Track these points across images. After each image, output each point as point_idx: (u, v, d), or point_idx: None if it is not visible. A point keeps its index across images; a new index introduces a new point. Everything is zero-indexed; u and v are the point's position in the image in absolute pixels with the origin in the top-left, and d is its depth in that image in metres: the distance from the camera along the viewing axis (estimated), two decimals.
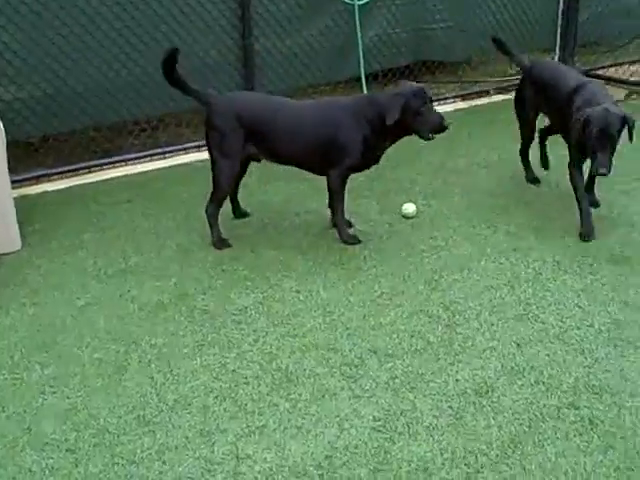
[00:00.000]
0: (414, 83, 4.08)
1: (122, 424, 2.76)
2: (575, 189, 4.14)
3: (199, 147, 5.69)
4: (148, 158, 5.53)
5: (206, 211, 4.12)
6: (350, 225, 4.22)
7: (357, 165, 4.01)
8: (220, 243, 4.10)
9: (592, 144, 3.88)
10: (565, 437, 2.61)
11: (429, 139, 3.94)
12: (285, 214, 4.49)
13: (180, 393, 2.92)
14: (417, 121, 3.87)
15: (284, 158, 4.11)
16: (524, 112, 4.74)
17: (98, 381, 3.01)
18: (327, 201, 4.15)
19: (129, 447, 2.65)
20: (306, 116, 4.03)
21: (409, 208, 4.37)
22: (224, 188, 4.11)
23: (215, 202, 4.11)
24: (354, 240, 4.06)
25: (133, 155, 5.52)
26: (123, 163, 5.45)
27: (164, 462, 2.58)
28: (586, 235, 4.01)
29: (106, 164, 5.41)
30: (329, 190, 4.05)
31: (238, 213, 4.44)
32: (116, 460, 2.59)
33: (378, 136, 3.92)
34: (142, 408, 2.84)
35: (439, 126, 3.90)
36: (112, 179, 5.24)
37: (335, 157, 3.95)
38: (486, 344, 3.16)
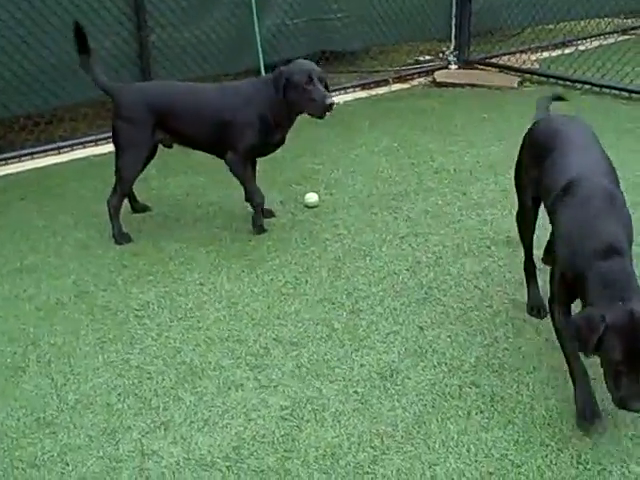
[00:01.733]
0: (305, 61, 4.06)
1: (21, 427, 2.67)
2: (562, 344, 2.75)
3: (95, 141, 5.57)
4: (42, 154, 5.37)
5: (108, 203, 4.03)
6: (272, 214, 4.24)
7: (256, 146, 3.99)
8: (121, 237, 4.02)
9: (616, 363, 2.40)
10: (467, 415, 2.68)
11: (318, 117, 3.92)
12: (186, 207, 4.43)
13: (82, 392, 2.85)
14: (302, 98, 3.86)
15: (189, 140, 4.07)
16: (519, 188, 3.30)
17: None
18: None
19: (29, 450, 2.56)
20: (206, 98, 4.00)
21: (311, 198, 4.39)
22: (129, 179, 4.05)
23: (119, 193, 4.04)
24: (259, 230, 4.06)
25: (27, 151, 5.34)
26: (16, 159, 5.27)
27: (67, 463, 2.51)
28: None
29: None
30: (233, 174, 4.03)
31: (138, 207, 4.35)
32: (15, 464, 2.50)
33: (273, 115, 3.92)
34: (42, 410, 2.75)
35: (322, 104, 3.83)
36: (4, 176, 5.06)
37: (232, 139, 3.93)
38: (390, 328, 3.21)
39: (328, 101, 3.84)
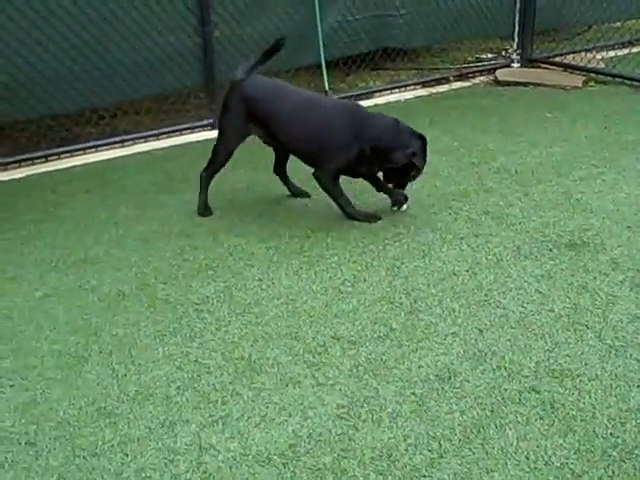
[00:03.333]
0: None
1: (83, 416, 2.72)
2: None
3: (158, 135, 5.65)
4: (107, 147, 5.47)
5: (200, 175, 4.33)
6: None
7: (344, 170, 4.16)
8: (204, 209, 4.25)
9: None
10: (526, 421, 2.64)
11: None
12: (246, 202, 4.46)
13: (142, 384, 2.89)
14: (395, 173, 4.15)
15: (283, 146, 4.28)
16: None
17: (58, 373, 2.96)
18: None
19: (90, 439, 2.61)
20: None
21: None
22: (221, 159, 4.27)
23: (211, 168, 4.29)
24: (373, 218, 4.20)
25: (91, 143, 5.45)
26: (81, 152, 5.38)
27: (126, 454, 2.55)
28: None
29: (63, 153, 5.33)
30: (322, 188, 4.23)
31: (295, 191, 4.54)
32: (77, 452, 2.55)
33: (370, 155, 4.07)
34: (103, 400, 2.81)
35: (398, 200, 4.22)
36: (70, 168, 5.17)
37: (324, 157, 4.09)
38: (448, 330, 3.18)
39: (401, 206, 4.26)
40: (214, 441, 2.59)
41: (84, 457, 2.53)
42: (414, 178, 4.19)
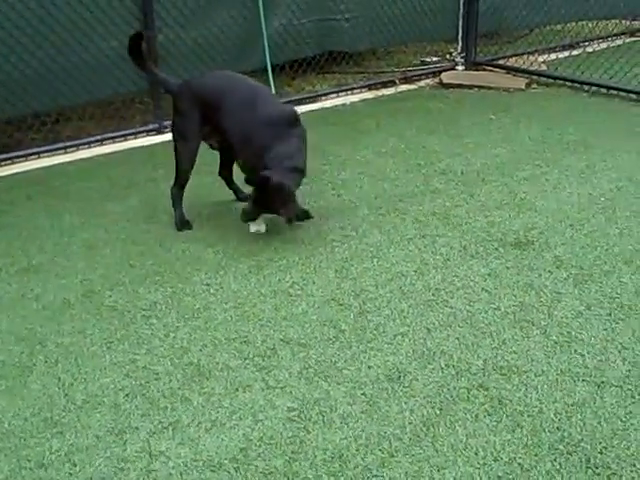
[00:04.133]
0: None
1: (28, 427, 2.66)
2: None
3: (102, 141, 5.58)
4: (49, 153, 5.37)
5: (171, 191, 4.22)
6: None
7: None
8: (182, 224, 4.16)
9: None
10: (475, 418, 2.67)
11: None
12: (194, 207, 4.41)
13: (89, 392, 2.84)
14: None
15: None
16: None
17: (1, 384, 2.89)
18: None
19: (37, 450, 2.56)
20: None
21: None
22: (186, 169, 4.15)
23: (178, 184, 4.17)
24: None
25: (33, 150, 5.34)
26: (23, 159, 5.27)
27: (74, 463, 2.50)
28: None
29: (4, 160, 5.21)
30: None
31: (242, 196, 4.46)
32: (23, 464, 2.49)
33: None
34: (49, 409, 2.75)
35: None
36: (11, 175, 5.07)
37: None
38: (397, 330, 3.20)
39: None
40: (164, 448, 2.56)
41: (30, 468, 2.48)
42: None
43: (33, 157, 5.29)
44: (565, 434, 2.57)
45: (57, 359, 3.04)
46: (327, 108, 6.45)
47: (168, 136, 5.70)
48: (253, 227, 4.05)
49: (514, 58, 7.55)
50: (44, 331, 3.24)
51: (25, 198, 4.64)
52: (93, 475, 2.45)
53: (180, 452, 2.54)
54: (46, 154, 5.35)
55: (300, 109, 6.35)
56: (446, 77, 7.25)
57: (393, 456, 2.50)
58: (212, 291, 3.53)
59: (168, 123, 5.77)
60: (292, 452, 2.53)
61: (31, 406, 2.77)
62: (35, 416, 2.72)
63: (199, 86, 4.10)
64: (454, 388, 2.82)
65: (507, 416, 2.67)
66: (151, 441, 2.59)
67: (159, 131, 5.73)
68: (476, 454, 2.50)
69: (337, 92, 6.83)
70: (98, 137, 5.57)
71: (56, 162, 5.27)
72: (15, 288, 3.59)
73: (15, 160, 5.23)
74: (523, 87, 6.93)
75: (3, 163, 5.19)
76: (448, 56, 7.78)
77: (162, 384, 2.88)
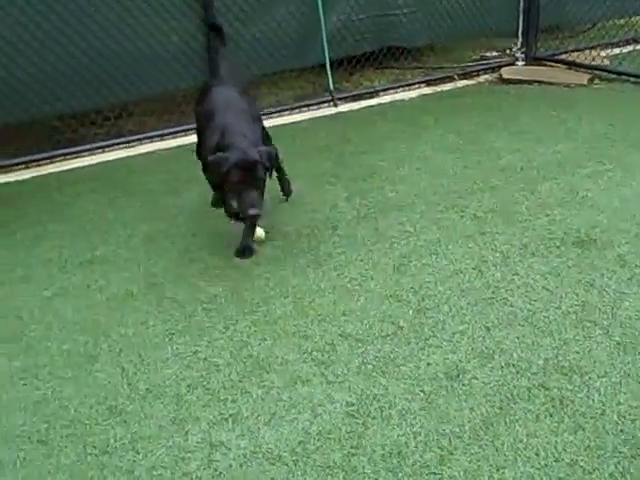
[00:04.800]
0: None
1: (94, 414, 2.73)
2: None
3: (163, 136, 5.66)
4: (112, 147, 5.48)
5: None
6: None
7: None
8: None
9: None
10: (536, 418, 2.64)
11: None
12: None
13: (152, 382, 2.90)
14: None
15: None
16: None
17: (68, 372, 2.97)
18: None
19: (101, 437, 2.62)
20: None
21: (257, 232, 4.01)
22: None
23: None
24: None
25: (97, 144, 5.46)
26: (87, 152, 5.39)
27: (137, 451, 2.56)
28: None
29: (69, 154, 5.35)
30: None
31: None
32: (89, 450, 2.56)
33: None
34: (114, 398, 2.82)
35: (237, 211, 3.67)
36: (76, 169, 5.18)
37: None
38: (456, 328, 3.18)
39: (243, 214, 3.65)
40: (224, 439, 2.60)
41: (95, 455, 2.54)
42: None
43: (97, 151, 5.41)
44: (629, 437, 2.53)
45: (121, 349, 3.11)
46: (385, 104, 6.43)
47: None
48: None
49: (576, 53, 7.41)
50: (108, 321, 3.31)
51: (89, 191, 4.75)
52: (155, 463, 2.51)
53: (240, 443, 2.58)
54: (109, 148, 5.46)
55: (358, 105, 6.39)
56: (506, 72, 7.15)
57: (452, 454, 2.50)
58: (271, 285, 3.56)
59: None
60: (350, 447, 2.55)
61: (96, 394, 2.84)
62: (100, 404, 2.79)
63: None
64: (514, 387, 2.80)
65: (569, 417, 2.63)
66: (212, 432, 2.63)
67: None
68: (537, 455, 2.47)
69: (395, 87, 6.81)
70: (159, 132, 5.67)
71: (118, 156, 5.39)
72: (80, 279, 3.68)
73: (79, 154, 5.36)
74: (585, 83, 6.80)
75: (68, 157, 5.32)
76: (508, 51, 7.68)
77: (222, 376, 2.92)
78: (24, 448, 2.58)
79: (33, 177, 5.04)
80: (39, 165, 5.22)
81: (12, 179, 5.01)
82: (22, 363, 3.04)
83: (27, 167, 5.17)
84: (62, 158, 5.30)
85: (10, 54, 4.94)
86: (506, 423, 2.62)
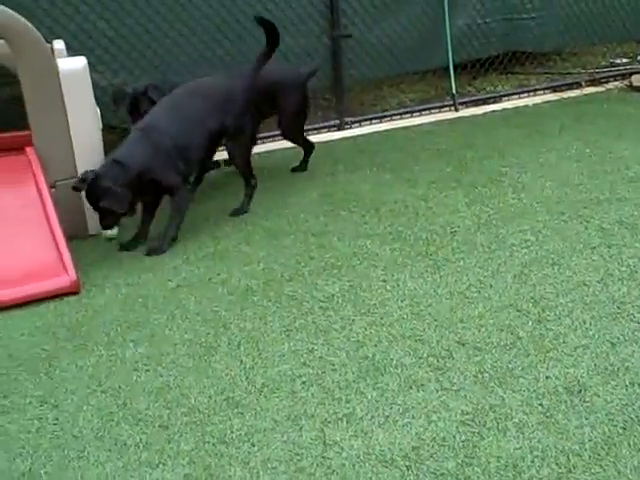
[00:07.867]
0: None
1: (212, 404, 2.81)
2: None
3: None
4: None
5: None
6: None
7: None
8: None
9: None
10: None
11: None
12: (371, 203, 4.47)
13: (268, 377, 2.96)
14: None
15: None
16: None
17: (189, 361, 3.07)
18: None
19: (219, 427, 2.69)
20: None
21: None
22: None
23: None
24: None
25: None
26: None
27: (253, 444, 2.61)
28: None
29: None
30: None
31: None
32: (207, 439, 2.64)
33: None
34: (231, 390, 2.89)
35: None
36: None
37: None
38: (578, 342, 3.08)
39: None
40: (338, 438, 2.62)
41: (213, 444, 2.61)
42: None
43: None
44: None
45: (239, 342, 3.19)
46: (508, 109, 6.31)
47: (349, 132, 5.87)
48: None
49: None
50: (228, 314, 3.40)
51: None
52: (270, 457, 2.55)
53: (353, 444, 2.59)
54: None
55: (480, 109, 6.30)
56: (637, 80, 6.87)
57: (571, 472, 2.42)
58: (388, 288, 3.56)
59: (350, 119, 5.95)
60: (465, 456, 2.51)
61: (215, 385, 2.92)
62: (218, 395, 2.86)
63: None
64: (639, 408, 2.69)
65: None
66: (326, 430, 2.66)
67: (340, 127, 5.84)
68: None
69: (519, 93, 6.66)
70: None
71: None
72: (202, 272, 3.79)
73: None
74: None
75: None
76: (639, 58, 7.38)
77: (337, 375, 2.95)
78: (146, 432, 2.68)
79: None
80: None
81: None
82: (146, 350, 3.16)
83: None
84: None
85: (145, 54, 5.14)
86: (630, 444, 2.52)
